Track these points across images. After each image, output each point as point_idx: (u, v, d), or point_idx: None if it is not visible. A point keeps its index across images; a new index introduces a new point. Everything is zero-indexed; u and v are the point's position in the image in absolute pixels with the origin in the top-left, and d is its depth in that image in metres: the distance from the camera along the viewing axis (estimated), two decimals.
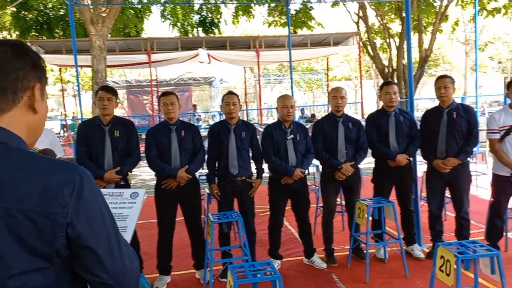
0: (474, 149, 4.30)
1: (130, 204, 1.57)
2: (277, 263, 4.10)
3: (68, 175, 0.92)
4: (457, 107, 4.02)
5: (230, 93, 4.08)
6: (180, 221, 3.95)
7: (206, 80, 24.53)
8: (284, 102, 4.00)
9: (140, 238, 4.12)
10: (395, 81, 15.64)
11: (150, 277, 3.92)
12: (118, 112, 29.66)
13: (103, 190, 1.82)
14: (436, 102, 4.25)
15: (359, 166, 4.22)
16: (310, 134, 4.17)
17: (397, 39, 16.03)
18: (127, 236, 1.37)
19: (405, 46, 15.65)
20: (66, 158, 10.13)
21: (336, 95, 4.11)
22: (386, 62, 16.35)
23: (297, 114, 18.53)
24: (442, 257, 2.64)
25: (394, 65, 15.90)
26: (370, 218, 3.99)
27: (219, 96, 26.68)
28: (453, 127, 3.96)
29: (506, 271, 3.76)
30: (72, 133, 14.75)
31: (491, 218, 4.10)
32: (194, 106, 20.86)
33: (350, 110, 26.87)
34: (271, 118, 25.23)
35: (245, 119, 18.88)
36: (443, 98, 4.01)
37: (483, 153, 6.98)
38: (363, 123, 4.30)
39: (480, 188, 6.60)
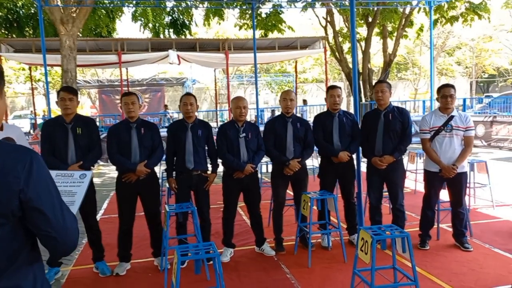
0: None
1: (78, 183, 1.90)
2: (230, 251, 4.45)
3: (22, 155, 1.25)
4: (392, 109, 4.47)
5: (188, 94, 4.42)
6: (140, 215, 4.25)
7: (178, 81, 24.72)
8: (237, 103, 4.36)
9: (104, 231, 4.41)
10: (361, 84, 16.27)
11: (111, 264, 4.20)
12: (90, 111, 29.45)
13: (57, 171, 2.15)
14: (407, 105, 4.64)
15: (306, 162, 4.62)
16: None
17: (363, 44, 16.65)
18: (75, 208, 1.68)
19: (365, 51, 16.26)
20: None
21: (286, 98, 4.50)
22: (352, 66, 16.95)
23: (268, 114, 18.92)
24: (362, 238, 3.04)
25: (360, 68, 16.51)
26: (315, 209, 4.40)
27: None
28: (388, 128, 4.41)
29: (435, 257, 4.26)
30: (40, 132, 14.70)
31: (423, 209, 4.57)
32: (166, 106, 21.02)
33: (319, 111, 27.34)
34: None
35: (217, 119, 19.19)
36: (380, 102, 4.46)
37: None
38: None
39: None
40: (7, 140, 1.72)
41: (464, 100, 16.17)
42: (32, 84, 19.16)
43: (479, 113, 16.22)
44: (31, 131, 19.77)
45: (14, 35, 15.26)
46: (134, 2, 12.75)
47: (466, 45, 39.72)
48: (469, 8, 13.52)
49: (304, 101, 20.91)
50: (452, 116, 4.29)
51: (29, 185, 1.22)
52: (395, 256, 3.20)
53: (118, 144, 4.07)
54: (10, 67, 28.64)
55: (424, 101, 17.42)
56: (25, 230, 1.28)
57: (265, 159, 5.00)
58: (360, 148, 4.70)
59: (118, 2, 12.89)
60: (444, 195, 4.71)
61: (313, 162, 8.30)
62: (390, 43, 17.03)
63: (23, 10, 15.34)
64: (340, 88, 4.69)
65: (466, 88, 42.09)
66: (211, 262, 3.66)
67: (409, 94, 39.91)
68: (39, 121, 19.04)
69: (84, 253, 4.70)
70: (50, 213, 1.27)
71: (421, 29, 17.06)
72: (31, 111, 22.16)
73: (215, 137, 4.43)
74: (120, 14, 15.78)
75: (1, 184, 1.19)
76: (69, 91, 3.96)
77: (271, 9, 13.53)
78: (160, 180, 5.44)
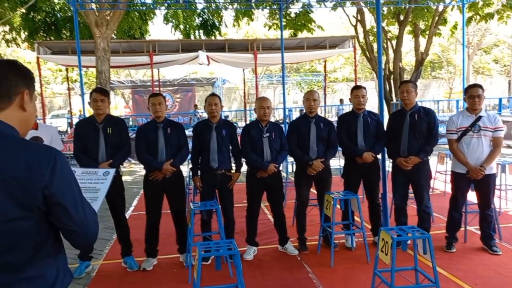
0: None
1: (102, 180, 2.03)
2: (253, 249, 4.52)
3: (46, 154, 1.35)
4: (419, 109, 4.42)
5: (212, 94, 4.52)
6: (167, 212, 4.39)
7: (208, 81, 25.03)
8: (261, 103, 4.43)
9: (133, 227, 4.59)
10: (392, 83, 16.00)
11: (138, 259, 4.36)
12: (124, 111, 30.22)
13: (83, 169, 2.29)
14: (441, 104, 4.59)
15: (332, 162, 4.63)
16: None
17: (394, 42, 16.37)
18: (98, 203, 1.79)
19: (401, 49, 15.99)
20: (68, 154, 10.62)
21: (309, 98, 4.53)
22: (383, 64, 16.69)
23: (297, 114, 18.89)
24: (383, 239, 3.04)
25: (391, 67, 16.25)
26: (339, 209, 4.40)
27: (222, 97, 27.14)
28: (414, 128, 4.36)
29: (461, 259, 4.20)
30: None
31: (450, 211, 4.50)
32: (196, 106, 21.34)
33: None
34: (273, 118, 25.61)
35: (246, 119, 19.31)
36: (406, 102, 4.41)
37: None
38: None
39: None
40: (35, 140, 1.85)
41: (500, 99, 15.61)
42: (69, 85, 19.90)
43: None
44: (68, 129, 20.51)
45: (52, 38, 15.89)
46: (165, 4, 13.02)
47: (504, 42, 38.30)
48: (505, 4, 13.06)
49: (341, 100, 20.64)
50: (480, 117, 4.19)
51: (53, 182, 1.32)
52: (417, 257, 3.18)
53: (146, 144, 4.21)
54: (49, 69, 29.85)
55: (457, 101, 16.94)
56: (48, 224, 1.39)
57: (291, 158, 5.04)
58: (385, 149, 4.67)
59: (150, 5, 13.21)
60: (472, 196, 4.62)
61: (339, 162, 8.25)
62: (423, 41, 16.66)
63: (61, 13, 15.95)
64: (364, 88, 4.68)
65: (503, 87, 40.57)
66: None
67: (443, 93, 38.85)
68: (75, 120, 19.74)
69: (113, 248, 4.88)
70: (72, 208, 1.37)
71: (455, 27, 16.60)
72: (68, 111, 22.98)
73: (239, 137, 4.51)
74: (152, 16, 16.18)
75: (27, 180, 1.29)
76: (101, 93, 4.14)
77: (301, 9, 13.52)
78: (187, 179, 5.58)
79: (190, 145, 4.47)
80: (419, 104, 4.55)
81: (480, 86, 4.25)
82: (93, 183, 1.96)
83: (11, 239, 1.31)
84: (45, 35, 16.01)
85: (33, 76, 1.48)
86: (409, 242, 3.36)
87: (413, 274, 3.24)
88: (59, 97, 37.67)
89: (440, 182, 7.10)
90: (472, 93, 4.20)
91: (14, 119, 1.40)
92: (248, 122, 18.61)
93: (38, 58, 14.81)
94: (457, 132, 4.32)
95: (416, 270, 3.16)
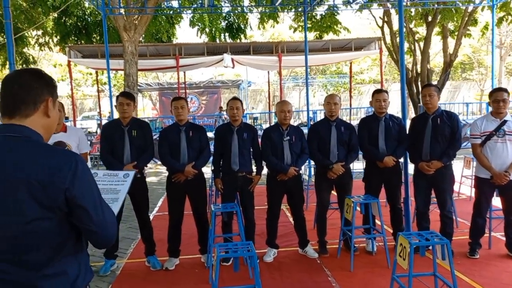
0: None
1: (122, 182, 2.13)
2: (273, 252, 4.56)
3: (68, 158, 1.44)
4: (441, 113, 4.37)
5: (234, 98, 4.60)
6: (189, 213, 4.49)
7: (234, 83, 25.22)
8: (282, 107, 4.47)
9: (157, 227, 4.71)
10: (419, 85, 15.71)
11: (161, 259, 4.48)
12: (151, 113, 30.77)
13: (105, 171, 2.40)
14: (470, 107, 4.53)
15: (354, 166, 4.63)
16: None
17: (422, 44, 16.07)
18: (118, 204, 1.89)
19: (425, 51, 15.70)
20: (97, 155, 10.92)
21: (330, 102, 4.54)
22: (410, 66, 16.42)
23: (322, 116, 18.78)
24: (401, 244, 3.04)
25: (419, 69, 15.96)
26: (358, 212, 4.40)
27: (247, 99, 27.30)
28: (437, 132, 4.31)
29: (484, 266, 4.13)
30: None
31: (473, 217, 4.42)
32: (221, 108, 21.54)
33: None
34: (298, 120, 25.54)
35: (271, 120, 19.36)
36: (428, 105, 4.37)
37: None
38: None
39: None
40: (58, 145, 1.96)
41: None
42: (98, 87, 20.43)
43: None
44: (98, 130, 21.07)
45: (83, 41, 16.39)
46: (191, 8, 13.24)
47: None
48: None
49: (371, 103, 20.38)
50: (505, 121, 4.12)
51: (74, 185, 1.41)
52: (436, 263, 3.15)
53: (169, 146, 4.32)
54: (79, 71, 30.73)
55: (488, 103, 16.47)
56: (70, 224, 1.48)
57: (312, 162, 5.06)
58: (408, 153, 4.63)
59: (177, 9, 13.45)
60: (497, 202, 4.52)
61: (362, 165, 8.20)
62: (452, 42, 16.29)
63: (91, 18, 16.43)
64: (386, 92, 4.66)
65: None
66: None
67: (474, 95, 37.81)
68: (104, 121, 20.25)
69: (138, 247, 5.02)
70: (92, 210, 1.46)
71: (486, 27, 16.14)
72: (98, 112, 23.61)
73: (260, 140, 4.57)
74: (179, 20, 16.46)
75: (50, 183, 1.38)
76: (126, 97, 4.28)
77: (326, 11, 13.46)
78: (209, 181, 5.68)
79: (212, 147, 4.57)
80: (449, 106, 4.50)
81: (505, 90, 4.18)
82: (114, 185, 2.06)
83: (34, 239, 1.40)
84: (76, 39, 16.52)
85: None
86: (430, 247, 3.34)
87: (432, 280, 3.22)
88: (90, 99, 38.73)
89: (467, 187, 6.96)
90: (497, 97, 4.13)
91: (39, 125, 1.50)
92: (273, 124, 18.64)
93: (69, 61, 15.30)
94: (481, 136, 4.25)
95: (435, 276, 3.13)
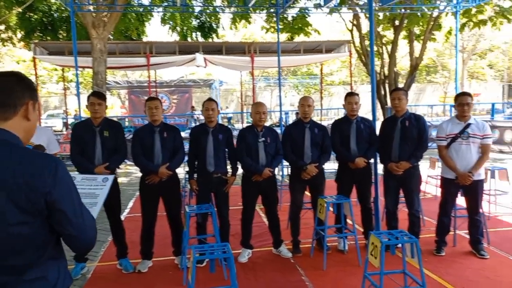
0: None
1: (101, 186, 2.11)
2: (247, 252, 4.60)
3: (49, 162, 1.43)
4: (409, 116, 4.52)
5: (209, 100, 4.60)
6: (162, 214, 4.46)
7: (205, 83, 25.08)
8: (257, 108, 4.51)
9: (128, 229, 4.65)
10: (387, 87, 16.14)
11: (134, 261, 4.42)
12: (120, 111, 30.17)
13: (83, 176, 2.36)
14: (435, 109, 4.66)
15: (327, 166, 4.72)
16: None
17: (389, 47, 16.51)
18: (97, 208, 1.87)
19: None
20: (64, 155, 10.64)
21: (304, 104, 4.62)
22: (378, 69, 16.82)
23: (293, 117, 18.98)
24: (372, 243, 3.14)
25: (386, 72, 16.38)
26: (331, 212, 4.49)
27: (219, 98, 27.20)
28: (405, 134, 4.46)
29: (450, 263, 4.29)
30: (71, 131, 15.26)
31: (439, 216, 4.60)
32: (193, 107, 21.39)
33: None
34: (270, 121, 25.69)
35: (243, 121, 19.41)
36: (397, 109, 4.51)
37: None
38: None
39: None
40: (37, 148, 1.92)
41: (493, 105, 15.78)
42: (64, 85, 19.88)
43: (508, 118, 15.81)
44: (63, 130, 20.51)
45: (48, 38, 15.89)
46: (163, 5, 13.07)
47: (499, 48, 38.64)
48: (498, 12, 13.22)
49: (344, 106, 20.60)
50: (469, 124, 4.30)
51: (54, 188, 1.40)
52: (405, 261, 3.27)
53: (142, 147, 4.28)
54: (44, 68, 29.77)
55: (451, 105, 17.10)
56: (49, 228, 1.46)
57: (286, 162, 5.12)
58: (377, 154, 4.76)
59: (147, 7, 13.28)
60: (462, 201, 4.72)
61: (334, 166, 8.36)
62: (418, 46, 16.80)
63: (57, 14, 15.95)
64: (357, 95, 4.77)
65: (498, 91, 40.91)
66: None
67: (438, 97, 39.13)
68: (71, 120, 19.76)
69: (109, 250, 4.94)
70: (71, 214, 1.45)
71: (449, 32, 16.73)
72: (64, 111, 22.96)
73: (235, 141, 4.59)
74: (149, 17, 16.21)
75: (30, 187, 1.37)
76: (98, 97, 4.20)
77: (298, 13, 13.61)
78: (183, 182, 5.65)
79: (186, 147, 4.55)
80: (414, 107, 4.66)
81: (469, 94, 4.37)
82: (93, 189, 2.04)
83: (14, 243, 1.38)
84: (41, 35, 16.00)
85: (36, 88, 1.56)
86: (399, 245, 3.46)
87: (402, 277, 3.33)
88: (55, 97, 37.60)
89: (432, 187, 7.21)
90: (462, 101, 4.31)
91: (19, 128, 1.48)
92: (245, 124, 18.78)
93: (34, 58, 14.81)
94: (447, 138, 4.42)
95: (404, 273, 3.25)
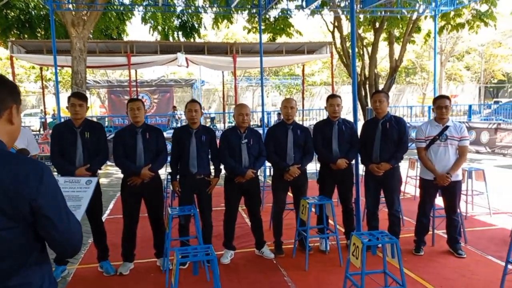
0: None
1: (85, 189, 2.09)
2: (230, 253, 4.60)
3: (34, 167, 1.41)
4: (390, 118, 4.60)
5: (193, 101, 4.59)
6: (144, 216, 4.43)
7: (187, 82, 24.94)
8: (240, 110, 4.52)
9: (109, 231, 4.59)
10: (367, 89, 16.37)
11: (115, 264, 4.38)
12: (99, 110, 29.72)
13: (66, 178, 2.34)
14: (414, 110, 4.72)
15: (309, 167, 4.77)
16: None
17: (370, 49, 16.75)
18: (81, 211, 1.86)
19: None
20: (43, 156, 10.45)
21: (287, 105, 4.66)
22: (358, 70, 17.04)
23: (275, 117, 19.04)
24: (354, 244, 3.19)
25: (367, 73, 16.61)
26: (313, 213, 4.54)
27: (200, 98, 27.09)
28: (386, 136, 4.54)
29: (428, 262, 4.39)
30: (50, 131, 15.00)
31: (418, 216, 4.70)
32: (174, 107, 21.24)
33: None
34: (252, 120, 25.72)
35: (225, 121, 19.38)
36: (378, 111, 4.59)
37: None
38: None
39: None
40: (21, 152, 1.90)
41: (470, 106, 16.16)
42: (42, 83, 19.47)
43: (485, 119, 16.21)
44: (41, 130, 20.10)
45: (26, 36, 15.56)
46: (144, 4, 12.97)
47: (475, 50, 39.58)
48: (475, 15, 13.56)
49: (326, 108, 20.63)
50: (447, 126, 4.41)
51: (40, 194, 1.38)
52: (386, 261, 3.33)
53: (124, 148, 4.24)
54: (22, 66, 29.14)
55: (430, 107, 17.43)
56: (34, 234, 1.44)
57: (269, 163, 5.14)
58: (359, 155, 4.83)
59: (128, 6, 13.14)
60: (440, 202, 4.83)
61: (316, 166, 8.44)
62: (397, 48, 17.09)
63: (35, 11, 15.62)
64: (339, 97, 4.83)
65: (474, 93, 41.91)
66: None
67: (417, 98, 39.83)
68: (49, 120, 19.38)
69: (89, 252, 4.88)
70: (57, 220, 1.43)
71: (428, 35, 17.10)
72: (41, 110, 22.52)
73: (218, 142, 4.59)
74: (130, 16, 16.04)
75: (15, 192, 1.35)
76: (79, 98, 4.15)
77: (280, 14, 13.68)
78: (164, 183, 5.61)
79: (168, 147, 4.53)
80: (394, 109, 4.74)
81: (447, 97, 4.47)
82: (76, 192, 2.02)
83: None
84: (18, 32, 15.66)
85: (19, 91, 1.54)
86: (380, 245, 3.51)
87: (382, 277, 3.39)
88: (32, 96, 36.83)
89: (411, 187, 7.35)
90: (440, 104, 4.42)
91: (2, 133, 1.46)
92: (227, 124, 18.76)
93: (11, 56, 14.49)
94: (426, 140, 4.52)
95: (385, 273, 3.31)
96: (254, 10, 10.91)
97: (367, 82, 16.46)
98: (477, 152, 13.27)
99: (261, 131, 8.28)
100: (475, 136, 13.38)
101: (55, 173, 4.35)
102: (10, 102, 1.47)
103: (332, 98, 4.76)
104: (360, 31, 16.69)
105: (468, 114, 15.65)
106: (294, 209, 4.97)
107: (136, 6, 12.82)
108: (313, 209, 4.50)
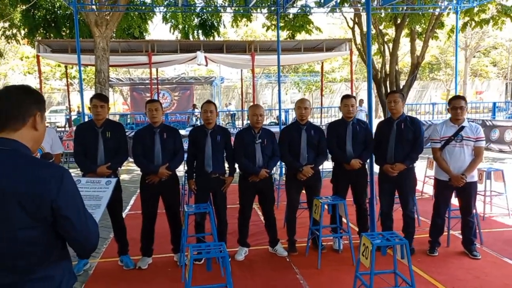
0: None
1: (104, 189, 2.24)
2: (244, 250, 4.71)
3: (55, 171, 1.54)
4: (405, 119, 4.61)
5: (208, 102, 4.70)
6: (162, 212, 4.58)
7: (207, 80, 25.16)
8: (254, 111, 4.61)
9: (129, 226, 4.76)
10: (388, 86, 16.19)
11: (135, 258, 4.55)
12: (122, 107, 30.26)
13: (87, 179, 2.49)
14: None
15: (324, 165, 4.82)
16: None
17: (391, 45, 16.54)
18: (100, 210, 1.99)
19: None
20: (67, 152, 10.77)
21: (300, 106, 4.71)
22: (379, 67, 16.85)
23: (294, 115, 19.02)
24: (364, 244, 3.24)
25: (388, 70, 16.42)
26: (326, 212, 4.60)
27: (220, 95, 27.30)
28: (400, 137, 4.55)
29: (442, 263, 4.39)
30: (75, 128, 15.41)
31: (433, 217, 4.70)
32: (194, 105, 21.46)
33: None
34: (271, 117, 25.76)
35: (243, 118, 19.50)
36: (393, 111, 4.60)
37: None
38: None
39: None
40: (45, 156, 2.04)
41: (494, 104, 15.80)
42: (67, 81, 19.99)
43: (509, 117, 15.83)
44: (66, 126, 20.65)
45: (51, 35, 16.00)
46: (164, 5, 13.16)
47: (503, 45, 38.53)
48: (500, 11, 13.23)
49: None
50: (463, 127, 4.39)
51: (60, 196, 1.51)
52: (396, 261, 3.37)
53: (143, 148, 4.39)
54: (47, 64, 29.91)
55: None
56: (55, 233, 1.58)
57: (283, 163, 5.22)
58: (373, 155, 4.85)
59: (149, 6, 13.36)
60: (456, 202, 4.81)
61: (331, 164, 8.45)
62: (420, 44, 16.83)
63: (60, 11, 16.04)
64: (354, 97, 4.87)
65: (501, 89, 40.84)
66: None
67: (440, 94, 39.11)
68: (74, 117, 19.88)
69: (110, 246, 5.07)
70: (76, 220, 1.56)
71: (452, 31, 16.73)
72: (66, 107, 23.09)
73: (232, 142, 4.70)
74: (151, 15, 16.29)
75: (38, 194, 1.48)
76: (101, 99, 4.32)
77: (299, 11, 13.67)
78: (182, 180, 5.75)
79: (186, 145, 4.65)
80: (416, 106, 4.72)
81: (463, 98, 4.45)
82: (96, 191, 2.16)
83: (22, 246, 1.49)
84: (45, 32, 16.11)
85: (44, 100, 1.68)
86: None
87: (393, 277, 3.44)
88: (58, 93, 37.76)
89: (430, 187, 7.29)
90: (455, 104, 4.40)
91: (27, 138, 1.59)
92: (245, 121, 18.89)
93: (38, 56, 14.94)
94: (441, 141, 4.51)
95: (395, 273, 3.35)
96: (273, 9, 10.98)
97: (388, 79, 16.26)
98: (501, 151, 12.98)
99: (277, 129, 8.35)
100: (499, 135, 13.09)
101: (78, 171, 4.56)
102: (34, 110, 1.61)
103: (347, 99, 4.79)
104: (381, 27, 16.50)
105: (493, 112, 15.31)
106: (308, 208, 5.03)
107: (157, 6, 13.02)
108: (326, 207, 4.56)
